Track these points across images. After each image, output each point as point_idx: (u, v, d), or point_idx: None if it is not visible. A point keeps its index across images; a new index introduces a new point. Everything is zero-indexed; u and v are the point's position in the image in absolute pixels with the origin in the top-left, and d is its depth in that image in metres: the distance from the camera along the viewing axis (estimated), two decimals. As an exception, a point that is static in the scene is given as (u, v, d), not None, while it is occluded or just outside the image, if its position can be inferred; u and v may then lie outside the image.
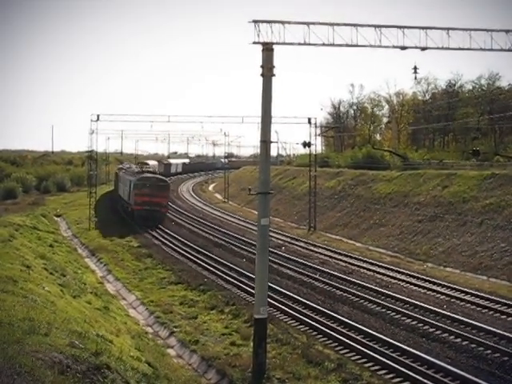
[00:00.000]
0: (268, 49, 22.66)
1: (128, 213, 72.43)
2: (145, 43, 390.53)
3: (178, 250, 50.45)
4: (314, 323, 29.37)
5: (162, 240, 55.76)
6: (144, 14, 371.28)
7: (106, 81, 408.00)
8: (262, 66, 22.83)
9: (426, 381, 21.73)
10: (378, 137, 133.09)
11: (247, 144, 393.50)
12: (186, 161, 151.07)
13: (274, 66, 22.87)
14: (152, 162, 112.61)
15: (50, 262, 38.18)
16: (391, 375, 22.87)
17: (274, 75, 22.92)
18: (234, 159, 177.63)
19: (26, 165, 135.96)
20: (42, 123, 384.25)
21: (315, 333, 28.37)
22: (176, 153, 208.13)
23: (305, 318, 30.20)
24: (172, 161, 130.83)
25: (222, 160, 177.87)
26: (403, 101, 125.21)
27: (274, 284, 35.87)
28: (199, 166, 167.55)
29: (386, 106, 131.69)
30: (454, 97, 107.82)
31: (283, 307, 32.10)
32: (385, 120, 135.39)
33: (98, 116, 66.27)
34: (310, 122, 66.40)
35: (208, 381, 23.50)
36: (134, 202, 67.56)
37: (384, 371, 23.30)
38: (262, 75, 22.90)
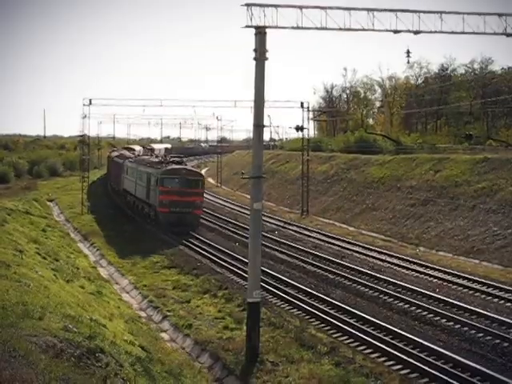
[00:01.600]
0: (261, 33, 22.59)
1: (146, 216, 57.31)
2: (138, 34, 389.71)
3: (172, 234, 50.42)
4: (306, 307, 29.45)
5: (155, 224, 55.63)
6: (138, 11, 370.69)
7: (100, 67, 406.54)
8: (255, 50, 22.77)
9: (418, 364, 21.85)
10: (370, 121, 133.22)
11: (240, 128, 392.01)
12: (169, 146, 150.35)
13: (267, 50, 22.82)
14: (137, 148, 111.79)
15: (42, 247, 38.22)
16: (384, 358, 22.97)
17: (266, 59, 22.87)
18: (216, 144, 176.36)
19: (18, 149, 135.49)
20: (33, 107, 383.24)
21: (308, 316, 28.45)
22: (169, 137, 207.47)
23: (298, 302, 30.28)
24: (155, 146, 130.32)
25: (203, 145, 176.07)
26: (396, 85, 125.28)
27: (267, 268, 35.93)
28: (181, 151, 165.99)
29: (379, 90, 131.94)
30: (447, 81, 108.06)
31: (276, 291, 32.17)
32: (377, 104, 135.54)
33: (90, 100, 65.89)
34: (302, 106, 66.25)
35: (201, 364, 23.56)
36: (158, 202, 52.11)
37: (377, 354, 23.40)
38: (255, 59, 22.84)
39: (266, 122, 23.97)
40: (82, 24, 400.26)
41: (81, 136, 79.93)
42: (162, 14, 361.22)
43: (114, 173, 79.46)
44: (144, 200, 57.67)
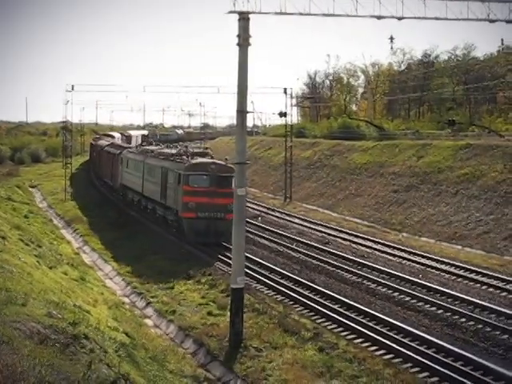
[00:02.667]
0: (244, 18, 22.50)
1: (160, 220, 47.50)
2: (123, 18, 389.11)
3: (155, 221, 50.21)
4: (290, 293, 29.53)
5: (139, 211, 55.30)
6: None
7: (82, 52, 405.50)
8: (238, 36, 22.69)
9: (401, 349, 21.98)
10: (353, 107, 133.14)
11: (223, 114, 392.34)
12: (145, 132, 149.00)
13: (250, 36, 22.74)
14: (117, 134, 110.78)
15: (25, 233, 38.02)
16: (367, 344, 23.08)
17: (250, 45, 22.78)
18: (192, 130, 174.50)
19: (0, 135, 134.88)
20: (16, 94, 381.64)
21: (292, 302, 28.53)
22: (151, 123, 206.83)
23: (281, 288, 30.34)
24: (132, 132, 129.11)
25: (178, 131, 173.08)
26: (379, 71, 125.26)
27: (251, 254, 35.98)
28: (158, 138, 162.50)
29: (362, 77, 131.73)
30: (430, 67, 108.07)
31: (260, 277, 32.20)
32: (360, 90, 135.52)
33: (72, 86, 65.42)
34: (285, 92, 66.30)
35: (185, 350, 23.60)
36: (182, 205, 41.54)
37: (360, 340, 23.51)
38: (238, 45, 22.77)
39: (249, 108, 23.92)
40: (82, 24, 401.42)
41: (63, 122, 79.46)
42: (161, 14, 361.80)
43: (106, 165, 70.36)
44: (157, 201, 47.51)
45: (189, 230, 41.13)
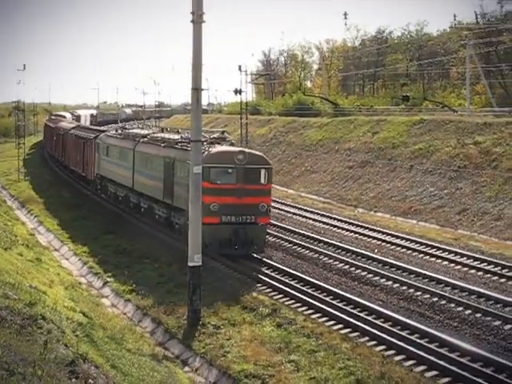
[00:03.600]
0: (198, -5, 22.38)
1: (162, 223, 37.84)
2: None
3: (111, 200, 49.84)
4: (247, 270, 29.61)
5: (94, 191, 54.81)
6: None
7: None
8: (192, 13, 22.53)
9: (359, 323, 22.18)
10: (308, 84, 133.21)
11: (178, 93, 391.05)
12: (94, 112, 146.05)
13: (203, 13, 22.59)
14: (67, 115, 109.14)
15: (-22, 215, 37.66)
16: (324, 318, 23.24)
17: (204, 22, 22.63)
18: (139, 109, 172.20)
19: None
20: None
21: (249, 279, 28.60)
22: (105, 102, 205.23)
23: (238, 265, 30.38)
24: (81, 112, 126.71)
25: (126, 110, 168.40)
26: (333, 47, 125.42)
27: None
28: (105, 118, 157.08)
29: (317, 53, 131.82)
30: (384, 43, 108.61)
31: (217, 255, 32.10)
32: (315, 67, 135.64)
33: (24, 66, 64.72)
34: (240, 69, 66.25)
35: (143, 329, 23.57)
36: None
37: (317, 315, 23.68)
38: (192, 22, 22.61)
39: (204, 85, 23.80)
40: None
41: (15, 102, 78.57)
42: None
43: (75, 151, 60.70)
44: (157, 199, 37.85)
45: (210, 239, 30.42)
